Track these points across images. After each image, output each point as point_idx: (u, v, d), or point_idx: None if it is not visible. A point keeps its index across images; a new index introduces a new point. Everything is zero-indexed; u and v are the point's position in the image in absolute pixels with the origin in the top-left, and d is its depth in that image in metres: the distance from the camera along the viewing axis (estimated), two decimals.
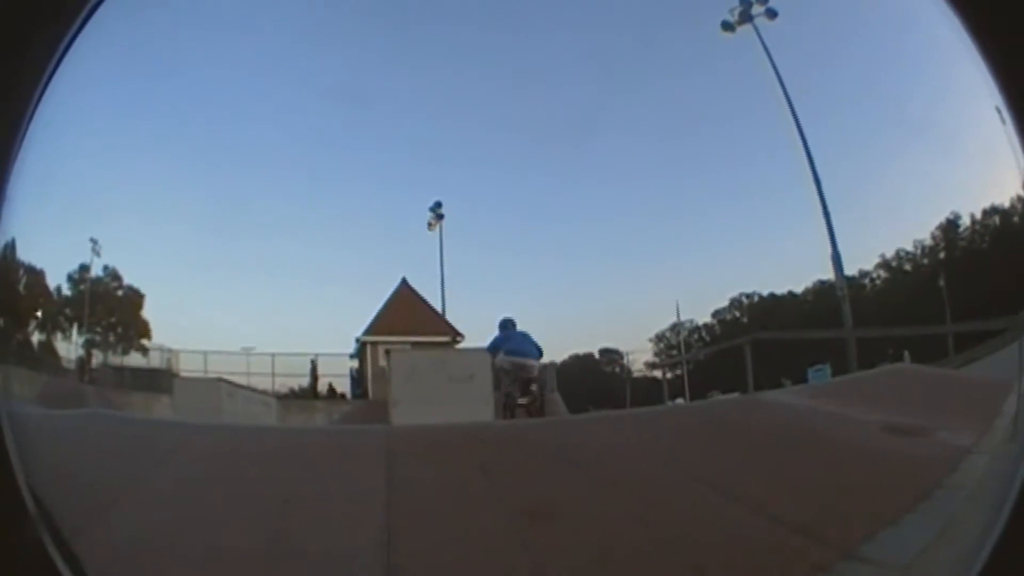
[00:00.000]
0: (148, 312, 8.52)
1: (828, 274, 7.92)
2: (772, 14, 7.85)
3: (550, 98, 8.74)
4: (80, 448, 6.02)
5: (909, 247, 8.09)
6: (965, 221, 7.61)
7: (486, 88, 8.95)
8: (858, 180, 7.84)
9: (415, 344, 9.95)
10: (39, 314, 7.93)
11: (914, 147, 7.37)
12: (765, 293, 8.48)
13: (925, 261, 7.98)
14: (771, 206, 8.21)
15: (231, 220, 8.72)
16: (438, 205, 8.89)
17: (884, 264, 8.16)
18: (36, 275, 7.36)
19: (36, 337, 8.07)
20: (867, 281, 8.20)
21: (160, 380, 9.14)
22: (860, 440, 6.20)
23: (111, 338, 9.10)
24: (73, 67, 2.57)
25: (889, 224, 7.83)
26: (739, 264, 8.35)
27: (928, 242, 7.98)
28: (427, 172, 9.03)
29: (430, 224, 8.95)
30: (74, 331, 8.55)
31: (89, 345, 8.88)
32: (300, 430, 9.60)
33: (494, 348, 9.04)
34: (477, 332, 9.29)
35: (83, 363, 8.87)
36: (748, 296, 8.63)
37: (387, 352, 9.49)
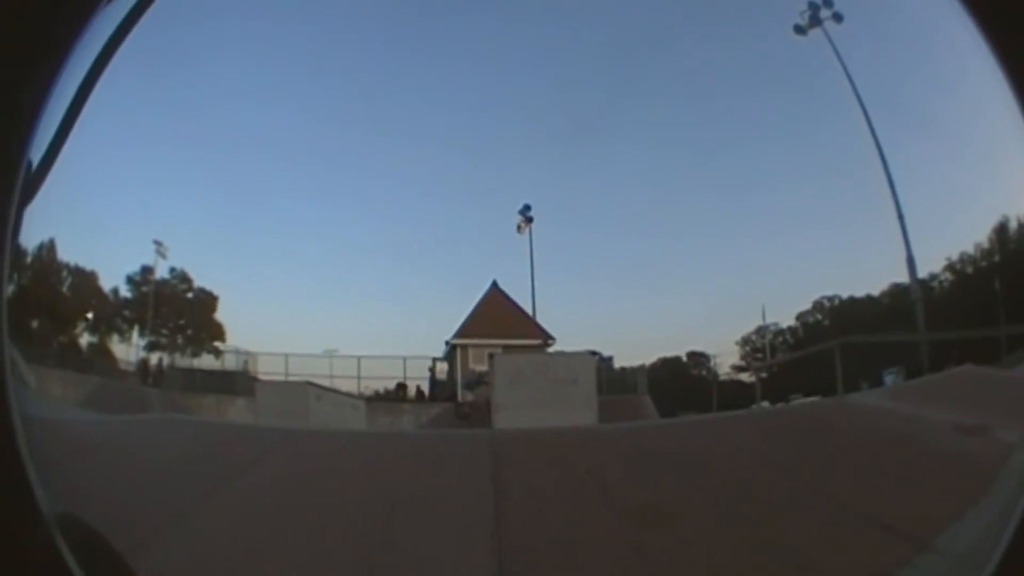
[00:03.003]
0: (222, 315, 8.62)
1: (900, 277, 8.24)
2: (839, 18, 8.07)
3: (636, 101, 8.90)
4: (146, 454, 6.25)
5: (970, 250, 8.12)
6: (1013, 224, 7.63)
7: (576, 90, 9.02)
8: (925, 183, 8.33)
9: (506, 347, 9.89)
10: (89, 316, 7.97)
11: (968, 149, 7.71)
12: (845, 296, 8.90)
13: (984, 264, 8.02)
14: (848, 209, 8.63)
15: (312, 221, 8.89)
16: (527, 208, 8.83)
17: (950, 267, 8.35)
18: (85, 276, 7.48)
19: (86, 339, 8.13)
20: (935, 284, 8.47)
21: (235, 382, 8.93)
22: (935, 439, 6.85)
23: (179, 340, 8.94)
24: (108, 68, 2.73)
25: (947, 227, 8.18)
26: (819, 267, 8.69)
27: (986, 245, 7.97)
28: (516, 174, 9.05)
29: (520, 227, 8.90)
30: (134, 334, 8.51)
31: (152, 347, 8.71)
32: (399, 434, 9.73)
33: None
34: (568, 335, 9.35)
35: (145, 365, 8.67)
36: (830, 299, 8.92)
37: (490, 356, 9.66)
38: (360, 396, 9.43)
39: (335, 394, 9.29)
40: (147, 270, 8.12)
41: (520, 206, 8.86)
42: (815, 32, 8.17)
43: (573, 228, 9.45)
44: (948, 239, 8.30)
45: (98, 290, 7.87)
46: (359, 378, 9.41)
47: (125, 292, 8.29)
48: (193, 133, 8.09)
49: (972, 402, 7.05)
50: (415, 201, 9.20)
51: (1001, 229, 8.00)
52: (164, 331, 8.83)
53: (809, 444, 7.06)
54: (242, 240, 8.54)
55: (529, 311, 9.54)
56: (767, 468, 6.68)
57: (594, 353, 9.16)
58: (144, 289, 8.26)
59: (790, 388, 9.36)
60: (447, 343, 9.78)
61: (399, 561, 5.42)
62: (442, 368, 9.93)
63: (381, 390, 9.75)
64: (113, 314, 8.24)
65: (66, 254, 5.93)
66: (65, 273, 6.88)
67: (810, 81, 8.68)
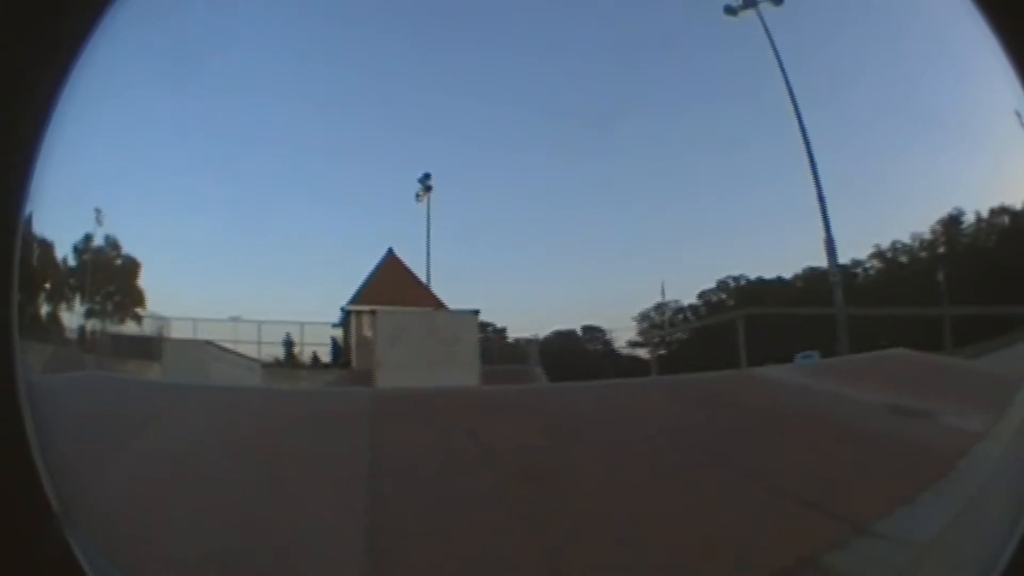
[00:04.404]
0: (144, 281, 8.66)
1: (818, 261, 7.74)
2: (777, 1, 7.63)
3: (546, 80, 8.61)
4: (79, 407, 5.86)
5: (907, 239, 7.81)
6: (970, 218, 7.47)
7: (483, 65, 8.85)
8: (858, 170, 7.59)
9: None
10: (47, 285, 7.90)
11: (920, 141, 7.23)
12: (753, 277, 8.33)
13: (923, 255, 7.72)
14: (764, 191, 8.09)
15: (225, 192, 9.07)
16: (427, 177, 8.87)
17: (879, 254, 7.94)
18: (47, 248, 7.41)
19: (44, 309, 8.02)
20: (860, 270, 7.99)
21: (153, 346, 9.19)
22: (866, 420, 6.06)
23: (109, 307, 9.08)
24: (92, 57, 2.49)
25: (887, 215, 7.62)
26: (728, 247, 8.16)
27: (927, 236, 7.74)
28: (416, 145, 9.15)
29: (418, 196, 8.95)
30: (76, 301, 8.55)
31: (90, 315, 8.85)
32: (284, 391, 9.44)
33: None
34: (463, 305, 9.18)
35: (83, 332, 8.82)
36: (736, 279, 8.43)
37: (372, 312, 9.32)
38: (258, 360, 9.64)
39: (233, 355, 9.40)
40: (88, 238, 8.19)
41: (420, 175, 9.03)
42: (747, 13, 7.64)
43: (473, 200, 9.27)
44: (881, 227, 7.77)
45: (54, 261, 7.86)
46: (260, 343, 9.55)
47: (72, 261, 8.33)
48: (140, 111, 8.23)
49: (907, 385, 6.43)
50: (319, 169, 9.61)
51: (950, 222, 7.66)
52: (98, 298, 8.91)
53: (703, 410, 6.46)
54: (167, 209, 8.70)
55: (425, 279, 9.52)
56: (655, 433, 6.13)
57: (476, 312, 8.94)
58: (85, 257, 8.31)
59: (692, 366, 8.79)
60: (342, 309, 9.75)
61: (269, 511, 4.90)
62: (339, 334, 9.97)
63: (282, 357, 9.95)
64: (63, 284, 8.24)
65: (39, 227, 5.14)
66: (35, 245, 6.31)
67: (734, 60, 8.22)
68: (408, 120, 9.27)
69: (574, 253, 8.72)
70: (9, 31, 2.29)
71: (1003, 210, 6.95)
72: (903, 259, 7.73)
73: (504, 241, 9.12)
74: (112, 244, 8.29)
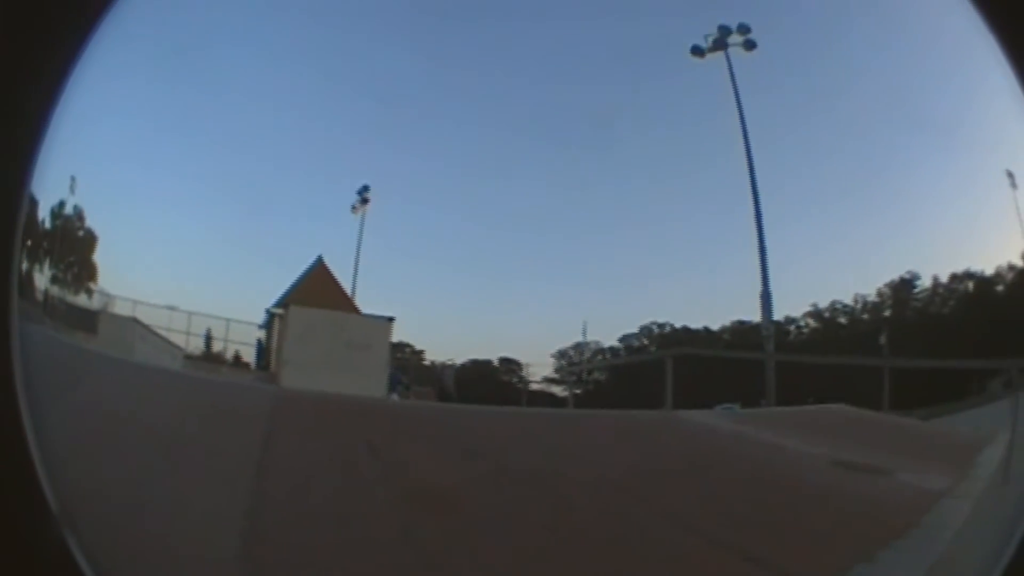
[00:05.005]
0: (99, 256, 8.53)
1: (749, 315, 7.22)
2: (750, 45, 7.20)
3: (493, 102, 8.31)
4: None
5: (848, 300, 7.43)
6: (925, 282, 7.08)
7: (432, 79, 8.56)
8: (808, 227, 7.31)
9: None
10: (28, 243, 7.51)
11: (879, 202, 6.95)
12: (679, 325, 8.12)
13: (866, 316, 7.32)
14: (700, 238, 7.48)
15: (190, 184, 8.79)
16: (365, 189, 8.50)
17: (815, 313, 7.43)
18: (33, 204, 7.13)
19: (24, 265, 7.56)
20: (792, 327, 7.69)
21: (93, 320, 9.08)
22: (814, 472, 5.77)
23: (69, 276, 8.79)
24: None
25: (831, 275, 7.11)
26: (655, 292, 7.43)
27: (873, 298, 7.37)
28: (366, 157, 8.82)
29: (354, 208, 8.58)
30: (46, 266, 8.23)
31: (54, 280, 8.53)
32: (192, 376, 9.39)
33: None
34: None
35: (47, 296, 8.49)
36: (660, 325, 8.18)
37: (285, 306, 8.98)
38: (182, 349, 9.41)
39: (158, 339, 9.13)
40: (61, 204, 7.80)
41: (359, 186, 8.50)
42: (715, 56, 7.29)
43: (412, 218, 8.73)
44: (825, 287, 7.45)
45: (34, 218, 7.45)
46: (188, 334, 9.38)
47: (48, 224, 7.85)
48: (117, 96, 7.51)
49: (851, 440, 6.10)
50: (266, 174, 8.93)
51: (901, 285, 7.26)
52: (61, 266, 8.60)
53: (628, 447, 6.06)
54: (133, 192, 8.57)
55: (351, 291, 9.05)
56: (563, 461, 5.86)
57: (390, 319, 8.56)
58: (57, 223, 7.92)
59: (608, 406, 8.56)
60: (267, 311, 9.33)
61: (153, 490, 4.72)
62: (264, 335, 9.56)
63: (211, 351, 9.71)
64: (38, 244, 7.78)
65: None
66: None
67: (695, 104, 7.76)
68: (357, 127, 8.93)
69: (500, 284, 8.33)
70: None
71: (967, 275, 6.75)
72: (842, 320, 7.37)
73: (433, 263, 8.78)
74: (78, 215, 8.12)
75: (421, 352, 8.95)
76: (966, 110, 6.18)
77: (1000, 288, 6.53)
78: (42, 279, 8.48)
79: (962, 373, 6.58)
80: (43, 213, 7.55)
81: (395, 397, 8.84)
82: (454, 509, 4.89)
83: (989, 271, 6.62)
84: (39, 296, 8.28)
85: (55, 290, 8.73)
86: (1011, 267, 6.37)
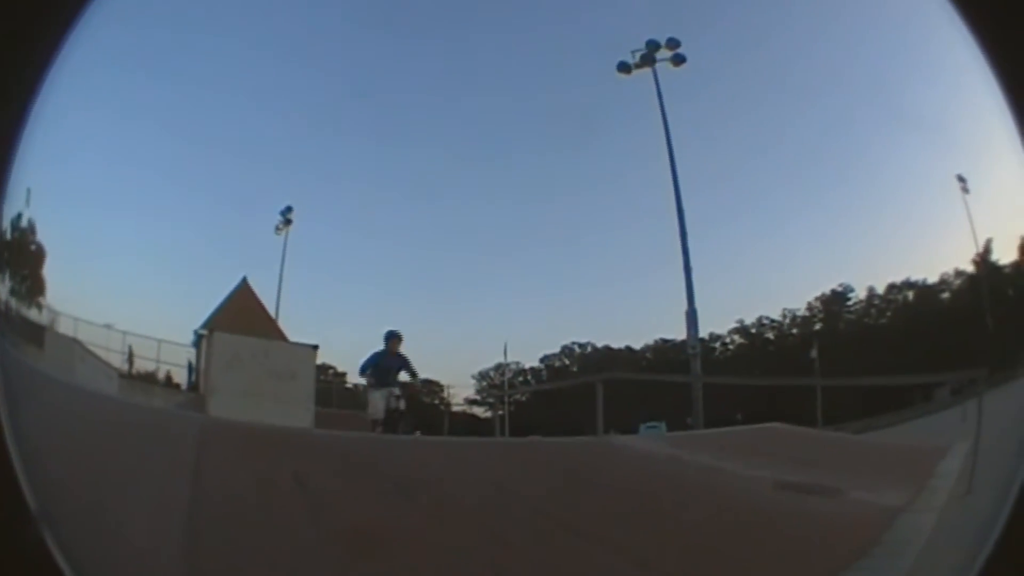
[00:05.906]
0: (47, 271, 7.99)
1: (672, 333, 7.13)
2: (679, 60, 7.02)
3: (414, 121, 8.14)
4: None
5: (776, 315, 7.30)
6: (861, 294, 6.92)
7: (361, 98, 8.60)
8: (735, 242, 7.29)
9: None
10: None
11: (810, 212, 6.89)
12: (600, 344, 8.01)
13: (795, 331, 7.11)
14: (621, 255, 7.43)
15: (138, 190, 8.79)
16: (288, 210, 8.44)
17: (741, 330, 7.21)
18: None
19: None
20: (718, 345, 7.33)
21: (40, 336, 8.48)
22: (761, 495, 5.60)
23: (23, 290, 8.06)
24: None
25: (760, 291, 6.81)
26: (575, 311, 7.45)
27: (803, 312, 7.16)
28: (288, 179, 8.85)
29: (278, 228, 8.52)
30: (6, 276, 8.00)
31: (12, 292, 8.29)
32: (125, 402, 9.14)
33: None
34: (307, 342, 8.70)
35: (7, 308, 8.22)
36: (581, 345, 8.02)
37: (209, 331, 8.75)
38: (116, 369, 9.32)
39: (96, 360, 9.08)
40: (19, 217, 7.01)
41: (283, 207, 8.45)
42: (642, 72, 7.20)
43: (335, 237, 8.67)
44: (756, 303, 7.39)
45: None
46: (124, 353, 9.25)
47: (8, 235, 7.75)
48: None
49: (799, 460, 5.78)
50: (193, 195, 9.05)
51: (832, 298, 7.21)
52: (16, 278, 7.73)
53: (566, 477, 5.77)
54: (84, 205, 8.43)
55: (274, 313, 8.80)
56: (495, 493, 5.66)
57: (315, 347, 8.42)
58: (15, 235, 7.01)
59: (531, 430, 8.46)
60: (195, 332, 9.18)
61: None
62: (191, 355, 9.38)
63: (143, 371, 9.62)
64: None
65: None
66: None
67: (621, 118, 7.69)
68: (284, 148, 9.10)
69: (420, 304, 8.27)
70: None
71: (907, 285, 6.73)
72: (769, 335, 7.25)
73: (353, 283, 8.92)
74: (31, 228, 7.65)
75: (343, 375, 9.08)
76: (903, 114, 6.11)
77: (945, 296, 6.50)
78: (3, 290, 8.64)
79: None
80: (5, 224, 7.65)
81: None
82: (386, 549, 4.58)
83: (933, 279, 6.51)
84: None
85: (13, 303, 8.66)
86: (959, 273, 6.33)
